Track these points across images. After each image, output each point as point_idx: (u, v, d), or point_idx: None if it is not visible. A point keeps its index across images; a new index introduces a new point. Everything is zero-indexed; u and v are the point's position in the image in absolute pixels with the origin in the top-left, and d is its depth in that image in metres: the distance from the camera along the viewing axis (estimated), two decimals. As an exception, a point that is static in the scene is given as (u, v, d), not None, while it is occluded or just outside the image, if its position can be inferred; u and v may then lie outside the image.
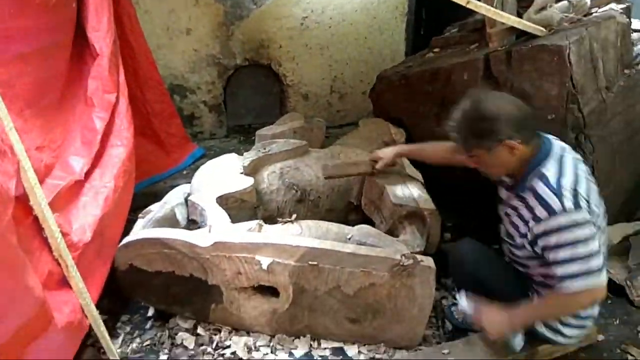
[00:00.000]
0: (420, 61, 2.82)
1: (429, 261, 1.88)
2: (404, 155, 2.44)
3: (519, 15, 2.34)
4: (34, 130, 1.85)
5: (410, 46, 4.29)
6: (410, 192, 2.33)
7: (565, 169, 1.62)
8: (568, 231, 1.54)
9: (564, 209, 1.53)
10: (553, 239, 1.57)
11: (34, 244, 1.62)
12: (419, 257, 1.89)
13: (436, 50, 2.92)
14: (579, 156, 1.75)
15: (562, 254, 1.56)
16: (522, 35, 2.37)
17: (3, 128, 1.39)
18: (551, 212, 1.55)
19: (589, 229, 1.53)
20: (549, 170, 1.61)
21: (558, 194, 1.55)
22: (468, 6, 2.09)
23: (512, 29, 2.32)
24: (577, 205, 1.53)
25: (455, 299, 2.35)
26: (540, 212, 1.59)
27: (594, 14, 2.37)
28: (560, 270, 1.58)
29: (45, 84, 2.00)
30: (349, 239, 2.09)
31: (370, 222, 2.42)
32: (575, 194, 1.55)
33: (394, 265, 1.85)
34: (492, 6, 2.24)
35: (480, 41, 2.63)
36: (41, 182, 1.79)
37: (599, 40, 2.20)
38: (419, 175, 2.51)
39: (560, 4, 2.34)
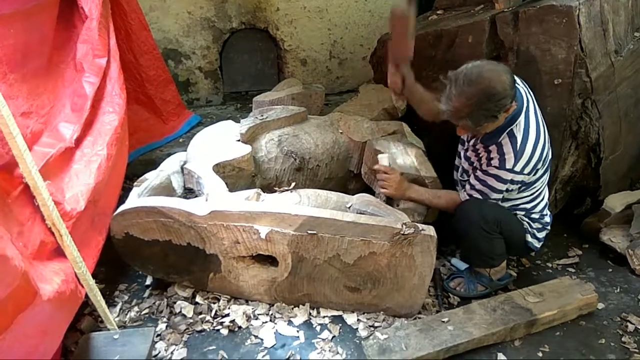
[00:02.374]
0: (424, 24, 2.71)
1: (430, 230, 1.85)
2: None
3: (527, -25, 2.24)
4: (19, 96, 1.78)
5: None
6: (411, 159, 2.28)
7: (530, 125, 1.87)
8: (500, 179, 1.90)
9: (512, 168, 1.86)
10: (489, 173, 1.92)
11: (25, 213, 1.57)
12: (420, 225, 1.85)
13: (440, 12, 2.81)
14: (523, 85, 1.96)
15: (481, 183, 1.95)
16: (529, -4, 2.27)
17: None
18: (502, 167, 1.88)
19: (511, 186, 1.92)
20: (519, 131, 1.85)
21: (517, 157, 1.85)
22: (474, -36, 1.99)
23: (520, -11, 2.22)
24: (521, 171, 1.87)
25: (452, 265, 2.36)
26: (495, 161, 1.90)
27: (605, -27, 2.26)
28: (470, 184, 2.00)
29: (30, 47, 1.92)
30: (349, 207, 2.06)
31: (370, 191, 2.38)
32: (528, 162, 1.85)
33: (395, 234, 1.82)
34: (499, -36, 2.14)
35: (486, 3, 2.53)
36: (29, 148, 1.74)
37: (609, 1, 2.11)
38: (420, 143, 2.46)
39: (570, -38, 2.23)
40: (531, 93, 1.96)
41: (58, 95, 2.10)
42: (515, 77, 1.91)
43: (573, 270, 2.37)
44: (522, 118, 1.86)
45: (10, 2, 1.82)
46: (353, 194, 2.52)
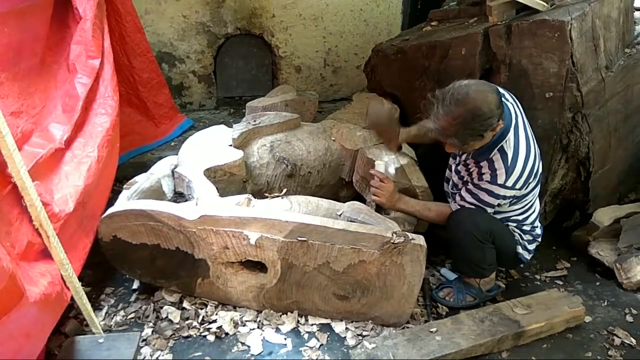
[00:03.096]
0: (418, 34, 2.73)
1: (419, 239, 1.85)
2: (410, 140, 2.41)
3: (521, -11, 2.27)
4: (10, 95, 1.76)
5: (407, 19, 4.19)
6: (402, 168, 2.29)
7: (520, 140, 1.88)
8: (492, 194, 1.92)
9: (504, 184, 1.88)
10: (481, 187, 1.93)
11: (13, 214, 1.55)
12: (410, 235, 1.85)
13: (434, 23, 2.83)
14: (513, 100, 1.97)
15: (472, 197, 1.96)
16: (523, 9, 2.30)
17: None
18: (493, 182, 1.89)
19: (503, 200, 1.94)
20: (510, 147, 1.87)
21: (508, 172, 1.86)
22: (469, -23, 2.01)
23: (513, 2, 2.25)
24: (513, 186, 1.88)
25: (441, 276, 2.36)
26: (486, 176, 1.92)
27: (597, -10, 2.29)
28: (461, 197, 2.00)
29: (22, 46, 1.90)
30: (340, 215, 2.05)
31: (362, 199, 2.38)
32: (520, 177, 1.87)
33: (385, 242, 1.82)
34: (493, -22, 2.16)
35: (480, 15, 2.56)
36: (18, 148, 1.72)
37: (601, 17, 2.14)
38: (412, 152, 2.47)
39: (563, -22, 2.27)
40: (521, 108, 1.98)
41: (50, 96, 2.08)
42: (505, 92, 1.96)
43: (561, 283, 2.38)
44: (511, 134, 1.87)
45: (5, 1, 1.81)
46: (344, 202, 2.51)
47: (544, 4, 2.18)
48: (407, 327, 1.99)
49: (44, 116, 2.03)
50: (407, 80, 2.73)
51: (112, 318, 2.03)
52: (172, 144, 3.39)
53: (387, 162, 2.29)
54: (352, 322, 2.03)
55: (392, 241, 1.81)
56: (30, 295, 1.29)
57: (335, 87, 4.27)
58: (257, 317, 2.05)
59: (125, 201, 2.06)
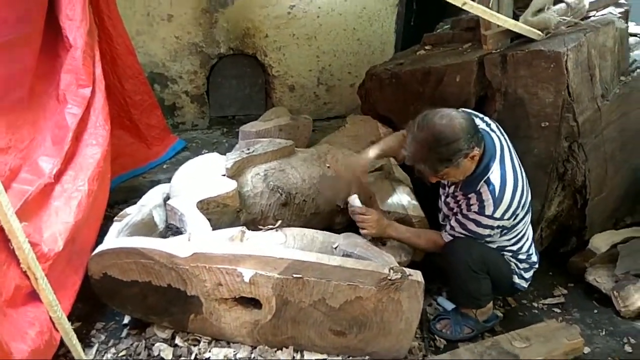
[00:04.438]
0: (412, 59, 2.72)
1: (417, 275, 1.82)
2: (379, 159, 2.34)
3: (515, 17, 2.26)
4: (-3, 132, 1.72)
5: (400, 38, 4.18)
6: (398, 197, 2.27)
7: (506, 172, 1.87)
8: (480, 225, 1.90)
9: (492, 215, 1.86)
10: (469, 217, 1.92)
11: (1, 258, 1.51)
12: (407, 270, 1.82)
13: (428, 47, 2.83)
14: (499, 132, 1.96)
15: (461, 227, 1.95)
16: (517, 37, 2.29)
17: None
18: (481, 212, 1.88)
19: (492, 231, 1.92)
20: (495, 178, 1.85)
21: (496, 204, 1.84)
22: (464, 7, 2.00)
23: (508, 31, 2.24)
24: (501, 217, 1.87)
25: (439, 305, 2.33)
26: (474, 207, 1.90)
27: (592, 18, 2.30)
28: (451, 226, 1.99)
29: (10, 79, 1.87)
30: (335, 248, 2.02)
31: (356, 226, 2.35)
32: (508, 208, 1.85)
33: (382, 279, 1.78)
34: (487, 7, 2.15)
35: (474, 41, 2.55)
36: (6, 187, 1.68)
37: (597, 47, 2.14)
38: (407, 180, 2.45)
39: (558, 6, 2.26)
40: (507, 138, 1.97)
41: (39, 128, 2.05)
42: (492, 123, 1.96)
43: (559, 311, 2.36)
44: (496, 165, 1.86)
45: (-6, 35, 1.78)
46: (339, 228, 2.50)
47: (539, 33, 2.17)
48: (405, 363, 1.95)
49: (33, 149, 1.99)
50: (401, 105, 2.72)
51: (103, 356, 1.98)
52: (165, 166, 3.35)
53: (380, 191, 2.27)
54: (349, 357, 1.99)
55: (389, 277, 1.78)
56: (17, 357, 1.25)
57: (329, 105, 4.25)
58: (252, 353, 2.00)
59: (116, 235, 2.02)
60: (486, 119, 1.98)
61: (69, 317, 1.77)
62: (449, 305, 2.27)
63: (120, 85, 3.05)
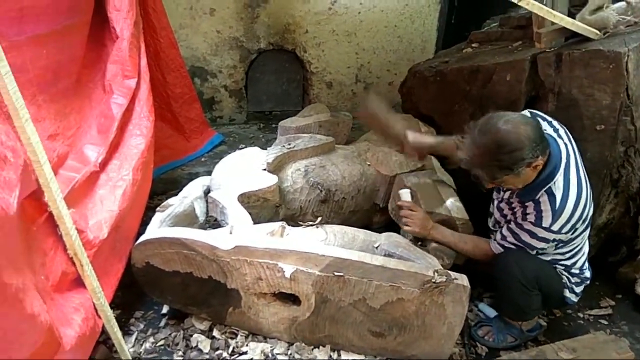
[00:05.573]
0: (458, 57, 2.65)
1: (463, 279, 1.77)
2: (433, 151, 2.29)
3: (571, 15, 2.17)
4: (47, 118, 1.74)
5: (441, 36, 4.10)
6: (442, 198, 2.21)
7: (570, 182, 1.74)
8: (534, 236, 1.80)
9: (549, 227, 1.75)
10: (523, 227, 1.81)
11: (48, 243, 1.53)
12: (453, 274, 1.77)
13: (475, 45, 2.75)
14: (567, 138, 1.83)
15: (514, 237, 1.85)
16: (572, 36, 2.20)
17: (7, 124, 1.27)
18: (538, 224, 1.77)
19: (547, 244, 1.81)
20: (558, 188, 1.73)
21: (555, 216, 1.73)
22: (520, 4, 1.93)
23: (563, 29, 2.15)
24: (559, 231, 1.75)
25: (479, 311, 2.26)
26: (531, 217, 1.79)
27: (653, 17, 2.18)
28: (502, 235, 1.90)
29: (60, 68, 1.89)
30: (377, 247, 1.98)
31: (395, 225, 2.30)
32: (568, 221, 1.74)
33: (426, 281, 1.74)
34: (542, 4, 2.06)
35: (524, 39, 2.47)
36: (54, 173, 1.69)
37: (659, 47, 2.03)
38: (450, 181, 2.38)
39: (617, 5, 2.16)
40: (575, 146, 1.84)
41: (85, 117, 2.07)
42: (560, 127, 1.84)
43: (606, 323, 2.26)
44: (560, 175, 1.74)
45: (46, 22, 1.80)
46: (377, 227, 2.46)
47: (597, 32, 2.08)
48: (445, 368, 1.90)
49: (79, 137, 2.01)
50: (445, 104, 2.65)
51: (142, 345, 1.99)
52: (202, 159, 3.37)
53: (423, 192, 2.21)
54: (386, 359, 1.95)
55: (433, 280, 1.73)
56: (66, 343, 1.26)
57: (366, 103, 4.20)
58: (289, 349, 1.99)
59: (158, 225, 2.03)
60: (555, 123, 1.86)
61: (110, 305, 1.79)
62: (491, 312, 2.20)
63: (162, 77, 3.08)
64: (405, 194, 2.12)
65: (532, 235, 1.80)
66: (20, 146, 1.32)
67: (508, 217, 1.93)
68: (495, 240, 1.95)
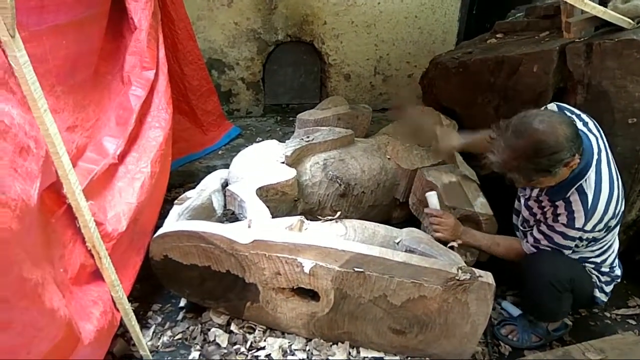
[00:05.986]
0: (482, 47, 2.57)
1: (487, 277, 1.71)
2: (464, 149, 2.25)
3: (602, 4, 2.08)
4: (65, 109, 1.73)
5: (463, 27, 4.01)
6: (465, 193, 2.15)
7: (602, 178, 1.67)
8: (567, 237, 1.73)
9: (582, 227, 1.68)
10: (555, 229, 1.74)
11: (67, 235, 1.51)
12: (477, 271, 1.71)
13: (499, 35, 2.67)
14: (598, 132, 1.76)
15: (547, 239, 1.78)
16: (603, 26, 2.11)
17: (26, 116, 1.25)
18: (570, 225, 1.70)
19: (580, 242, 1.76)
20: (589, 186, 1.66)
21: (588, 215, 1.66)
22: (550, -8, 1.85)
23: (593, 19, 2.06)
24: (592, 229, 1.69)
25: (503, 309, 2.20)
26: (562, 218, 1.71)
27: (689, 6, 2.08)
28: (535, 238, 1.82)
29: (79, 58, 1.87)
30: (398, 243, 1.94)
31: (415, 219, 2.25)
32: (601, 220, 1.67)
33: (449, 279, 1.69)
34: (573, -8, 1.98)
35: (552, 29, 2.38)
36: (73, 165, 1.68)
37: (696, 37, 1.93)
38: (473, 175, 2.32)
39: (652, -8, 2.06)
40: (605, 139, 1.76)
41: (103, 108, 2.05)
42: (589, 120, 1.76)
43: (634, 323, 2.18)
44: (592, 172, 1.66)
45: (66, 12, 1.78)
46: (397, 222, 2.41)
47: (630, 21, 1.99)
48: (467, 368, 1.85)
49: (98, 129, 2.00)
50: (468, 96, 2.58)
51: (160, 338, 1.98)
52: (220, 152, 3.35)
53: (445, 186, 2.16)
54: (407, 357, 1.91)
55: (457, 278, 1.68)
56: (85, 337, 1.24)
57: (385, 96, 4.14)
58: (307, 345, 1.96)
59: (176, 218, 2.01)
60: (583, 116, 1.77)
61: (128, 298, 1.77)
62: (515, 311, 2.14)
63: (180, 69, 3.06)
64: (433, 198, 2.04)
65: (565, 236, 1.73)
66: (42, 137, 1.30)
67: (538, 217, 1.86)
68: (527, 242, 1.87)
